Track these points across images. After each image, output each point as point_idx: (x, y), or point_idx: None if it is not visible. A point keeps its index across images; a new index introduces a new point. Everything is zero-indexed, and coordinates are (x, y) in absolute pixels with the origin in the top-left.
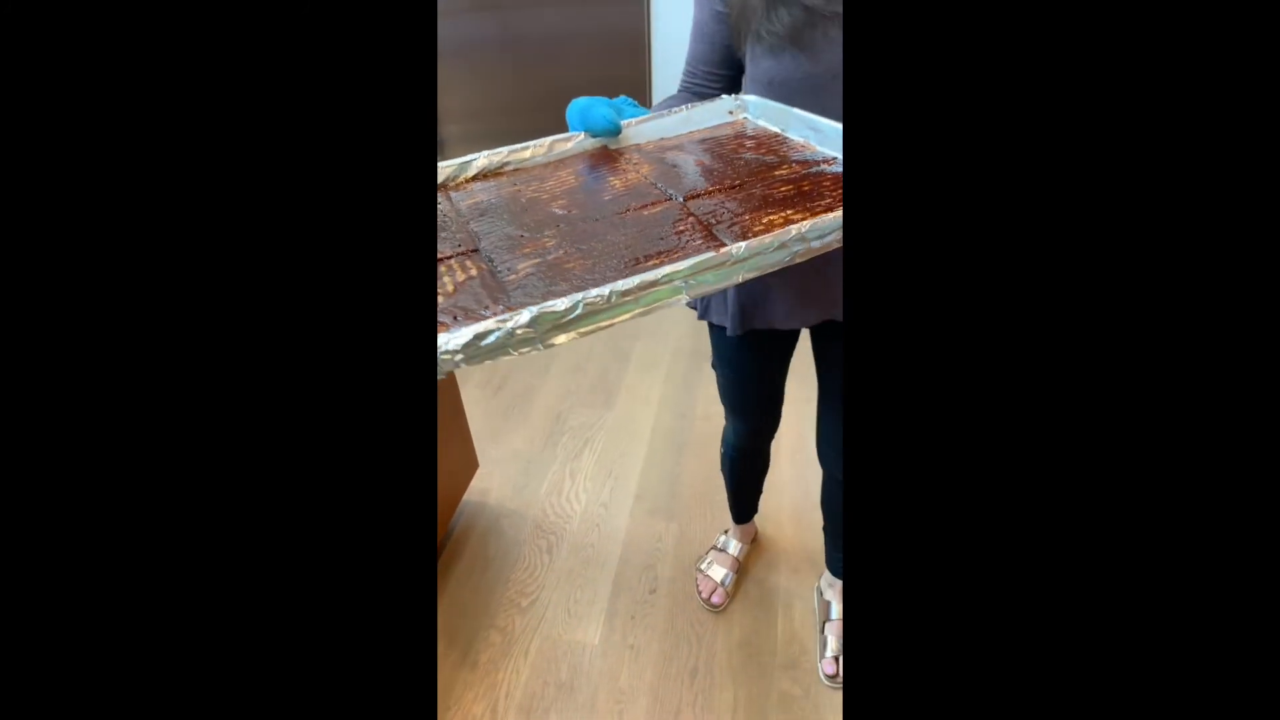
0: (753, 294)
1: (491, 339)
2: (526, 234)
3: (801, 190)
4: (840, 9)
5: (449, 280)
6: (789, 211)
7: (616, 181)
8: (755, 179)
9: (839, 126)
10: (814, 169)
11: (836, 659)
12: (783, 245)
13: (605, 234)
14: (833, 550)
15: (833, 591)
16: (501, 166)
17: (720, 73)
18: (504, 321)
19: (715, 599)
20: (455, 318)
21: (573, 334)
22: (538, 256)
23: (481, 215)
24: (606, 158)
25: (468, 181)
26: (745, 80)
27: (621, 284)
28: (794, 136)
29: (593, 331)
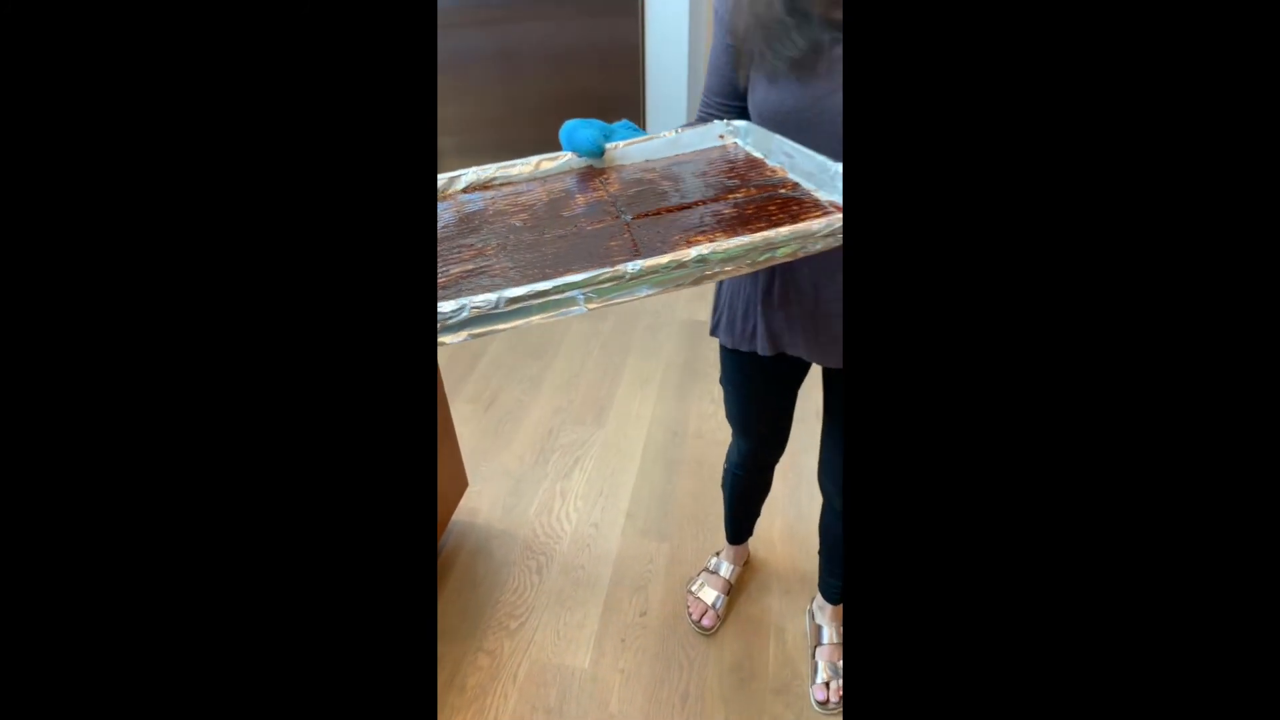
0: (778, 322)
1: None
2: (476, 242)
3: (744, 214)
4: (826, 43)
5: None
6: (718, 234)
7: (581, 199)
8: (707, 201)
9: (811, 154)
10: (770, 193)
11: (827, 684)
12: (681, 265)
13: (542, 246)
14: (827, 576)
15: (824, 615)
16: (490, 180)
17: (732, 104)
18: None
19: (706, 622)
20: None
21: (463, 335)
22: (472, 263)
23: (448, 224)
24: (590, 177)
25: (456, 194)
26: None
27: (510, 291)
28: (772, 162)
29: (487, 334)
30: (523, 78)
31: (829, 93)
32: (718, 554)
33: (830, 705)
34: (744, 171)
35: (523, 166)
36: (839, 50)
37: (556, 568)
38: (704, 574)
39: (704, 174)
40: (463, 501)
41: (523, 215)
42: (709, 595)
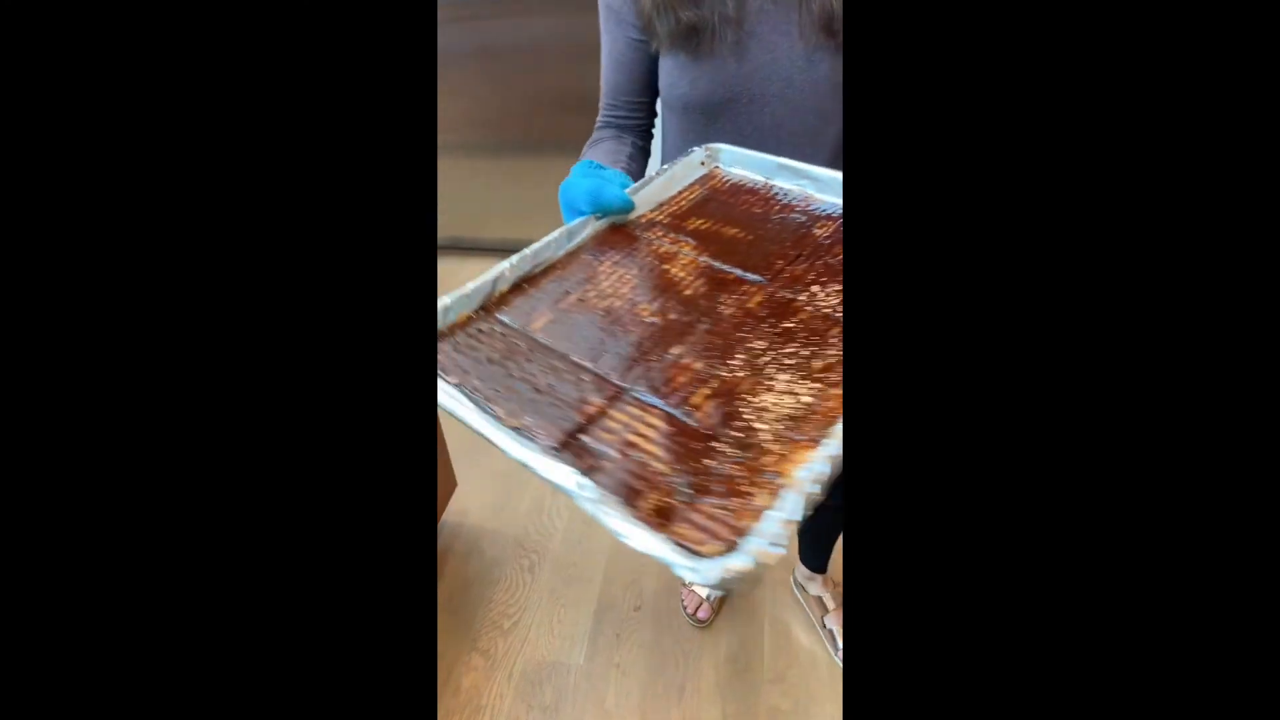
0: None
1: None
2: (654, 353)
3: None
4: (731, 14)
5: (639, 440)
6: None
7: (677, 270)
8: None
9: (832, 173)
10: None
11: None
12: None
13: (737, 344)
14: (809, 551)
15: (817, 585)
16: (532, 271)
17: (642, 100)
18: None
19: (701, 614)
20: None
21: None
22: (700, 385)
23: (567, 337)
24: (623, 238)
25: (506, 296)
26: (662, 108)
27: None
28: (783, 184)
29: None
30: (502, 75)
31: (747, 76)
32: None
33: None
34: (798, 235)
35: (554, 244)
36: (727, 24)
37: (549, 565)
38: None
39: (747, 213)
40: (452, 502)
41: (645, 308)
42: (703, 588)
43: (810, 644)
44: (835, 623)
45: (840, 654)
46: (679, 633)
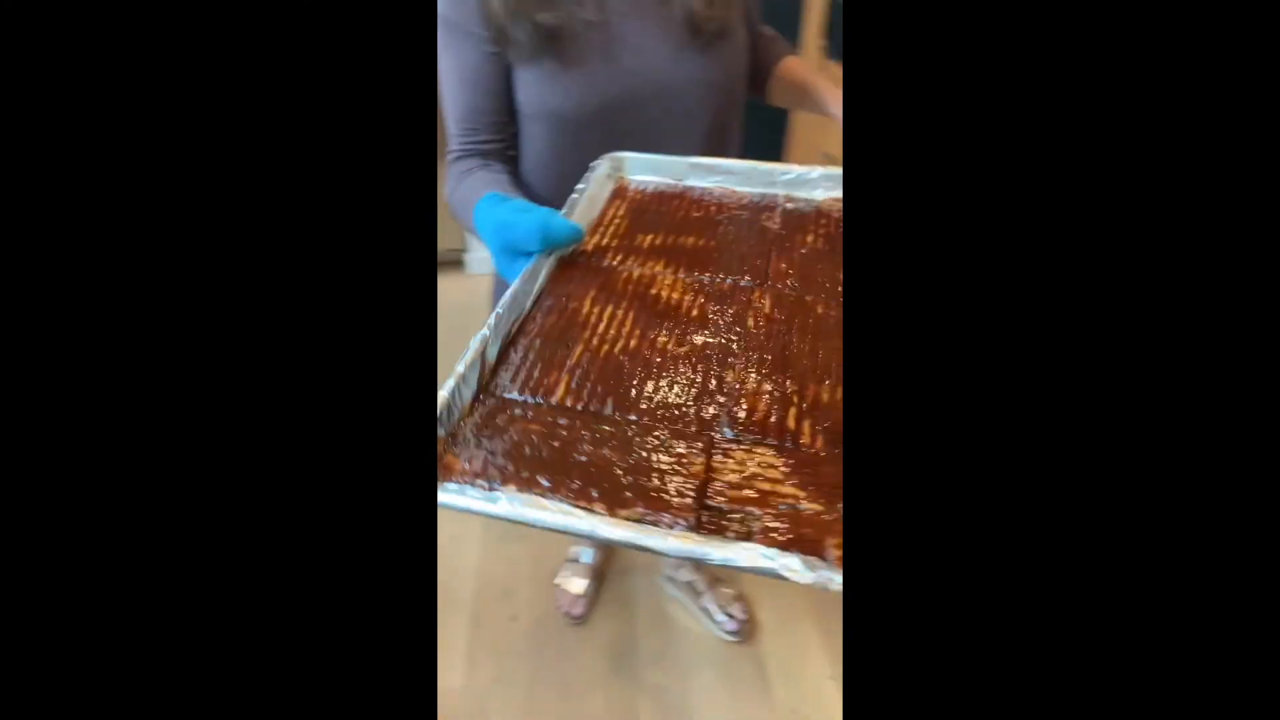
0: None
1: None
2: (709, 385)
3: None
4: (592, 16)
5: (767, 485)
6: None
7: (667, 292)
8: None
9: (736, 162)
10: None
11: (731, 616)
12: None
13: (781, 351)
14: None
15: (685, 571)
16: (512, 330)
17: (504, 120)
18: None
19: (576, 610)
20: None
21: None
22: (786, 406)
23: (600, 396)
24: (583, 272)
25: (497, 368)
26: (524, 121)
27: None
28: (698, 183)
29: None
30: None
31: (618, 80)
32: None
33: (738, 629)
34: (754, 230)
35: (524, 296)
36: (592, 27)
37: None
38: (568, 564)
39: (697, 224)
40: None
41: (683, 342)
42: (576, 585)
43: (685, 620)
44: (710, 601)
45: (720, 625)
46: (557, 634)
